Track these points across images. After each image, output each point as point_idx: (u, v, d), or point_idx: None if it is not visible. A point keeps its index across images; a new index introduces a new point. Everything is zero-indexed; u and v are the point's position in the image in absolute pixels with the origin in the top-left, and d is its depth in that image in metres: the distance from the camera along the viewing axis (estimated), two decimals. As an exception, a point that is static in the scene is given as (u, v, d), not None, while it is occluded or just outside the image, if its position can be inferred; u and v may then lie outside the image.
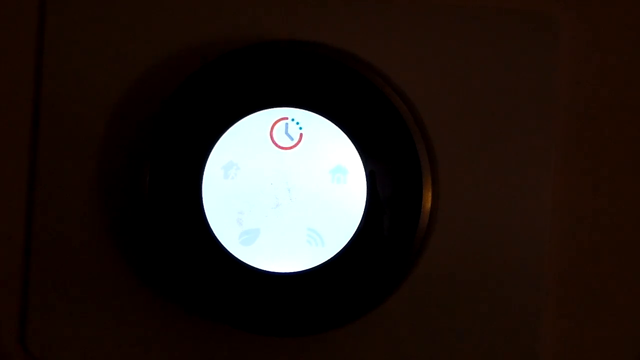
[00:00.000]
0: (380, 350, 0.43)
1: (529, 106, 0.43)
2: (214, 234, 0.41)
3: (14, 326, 0.44)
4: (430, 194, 0.42)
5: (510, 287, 0.43)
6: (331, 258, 0.42)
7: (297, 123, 0.42)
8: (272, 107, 0.42)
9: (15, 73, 0.44)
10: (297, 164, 0.42)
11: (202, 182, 0.41)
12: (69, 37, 0.43)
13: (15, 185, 0.44)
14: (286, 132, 0.42)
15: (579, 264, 0.44)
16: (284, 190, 0.42)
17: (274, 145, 0.42)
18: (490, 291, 0.43)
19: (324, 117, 0.42)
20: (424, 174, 0.42)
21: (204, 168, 0.41)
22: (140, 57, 0.43)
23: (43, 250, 0.43)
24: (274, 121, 0.42)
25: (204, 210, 0.41)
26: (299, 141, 0.42)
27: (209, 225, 0.41)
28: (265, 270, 0.42)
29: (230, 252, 0.41)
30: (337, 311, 0.42)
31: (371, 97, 0.42)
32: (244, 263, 0.41)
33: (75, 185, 0.43)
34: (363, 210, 0.42)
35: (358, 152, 0.42)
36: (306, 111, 0.42)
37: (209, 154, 0.42)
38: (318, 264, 0.42)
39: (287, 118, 0.42)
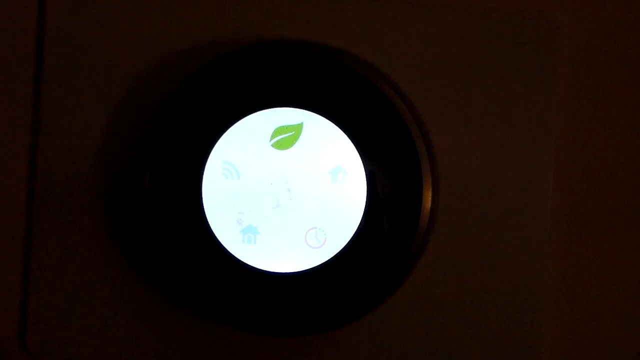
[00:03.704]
0: (380, 350, 0.43)
1: (529, 106, 0.43)
2: (214, 234, 0.41)
3: (14, 326, 0.44)
4: (430, 194, 0.42)
5: (510, 287, 0.43)
6: (331, 258, 0.42)
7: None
8: (272, 107, 0.42)
9: (15, 73, 0.44)
10: (297, 164, 0.42)
11: (202, 182, 0.41)
12: (69, 37, 0.43)
13: (15, 185, 0.44)
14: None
15: (579, 264, 0.44)
16: (284, 190, 0.42)
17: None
18: (490, 291, 0.43)
19: (323, 117, 0.42)
20: (424, 174, 0.42)
21: (204, 168, 0.41)
22: (140, 57, 0.43)
23: (43, 250, 0.43)
24: (274, 121, 0.42)
25: (204, 210, 0.41)
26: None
27: (209, 225, 0.41)
28: (265, 270, 0.42)
29: (230, 252, 0.41)
30: (337, 311, 0.42)
31: (371, 97, 0.42)
32: (244, 263, 0.41)
33: (75, 185, 0.43)
34: (363, 210, 0.42)
35: (358, 152, 0.42)
36: (306, 111, 0.42)
37: (209, 154, 0.42)
38: (318, 264, 0.42)
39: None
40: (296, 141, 0.42)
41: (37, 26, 0.44)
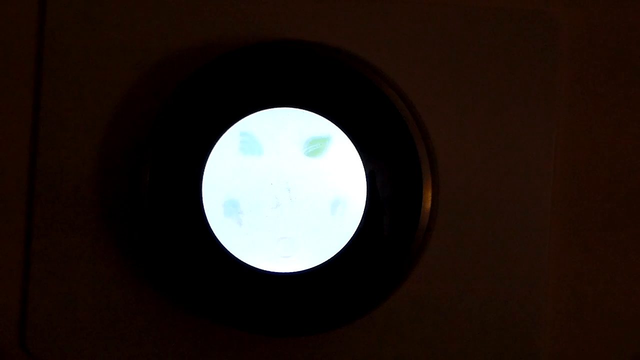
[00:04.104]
0: (381, 350, 0.43)
1: (529, 106, 0.43)
2: (214, 234, 0.41)
3: (14, 326, 0.44)
4: (430, 194, 0.42)
5: (510, 287, 0.43)
6: (331, 258, 0.42)
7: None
8: (272, 107, 0.42)
9: (15, 73, 0.44)
10: (297, 163, 0.42)
11: (202, 182, 0.41)
12: (69, 37, 0.43)
13: (15, 185, 0.44)
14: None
15: (579, 264, 0.44)
16: (284, 190, 0.42)
17: (273, 145, 0.42)
18: (490, 291, 0.43)
19: (323, 117, 0.42)
20: (424, 174, 0.42)
21: (204, 168, 0.41)
22: (140, 57, 0.43)
23: (43, 250, 0.43)
24: (274, 121, 0.42)
25: (204, 211, 0.41)
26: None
27: (209, 225, 0.41)
28: (265, 270, 0.42)
29: (231, 252, 0.41)
30: (337, 311, 0.42)
31: (371, 97, 0.42)
32: (244, 263, 0.41)
33: (75, 185, 0.43)
34: (363, 210, 0.42)
35: (358, 152, 0.42)
36: (306, 111, 0.42)
37: (209, 154, 0.42)
38: (318, 264, 0.42)
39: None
40: (324, 152, 0.42)
41: (37, 26, 0.44)
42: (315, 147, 0.42)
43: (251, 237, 0.42)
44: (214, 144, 0.42)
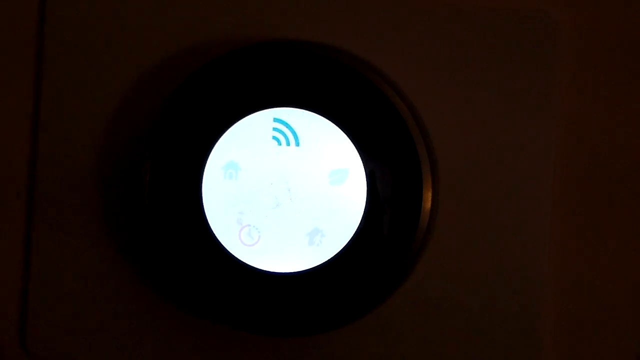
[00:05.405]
0: (380, 350, 0.43)
1: (528, 106, 0.43)
2: (214, 234, 0.41)
3: (14, 326, 0.44)
4: (430, 194, 0.42)
5: (510, 288, 0.43)
6: (331, 258, 0.42)
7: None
8: (272, 107, 0.42)
9: (15, 73, 0.44)
10: (297, 164, 0.42)
11: (202, 182, 0.41)
12: (69, 37, 0.43)
13: (15, 185, 0.44)
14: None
15: (579, 264, 0.44)
16: (284, 190, 0.42)
17: (274, 145, 0.42)
18: (490, 291, 0.43)
19: (323, 117, 0.42)
20: (424, 174, 0.42)
21: (204, 168, 0.42)
22: (140, 57, 0.43)
23: (43, 250, 0.43)
24: (274, 121, 0.42)
25: (204, 210, 0.41)
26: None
27: (209, 225, 0.41)
28: (265, 270, 0.42)
29: (231, 252, 0.41)
30: (337, 311, 0.42)
31: (371, 97, 0.42)
32: (244, 263, 0.41)
33: (75, 185, 0.43)
34: (363, 210, 0.42)
35: (358, 152, 0.42)
36: (306, 111, 0.42)
37: (209, 154, 0.42)
38: (318, 264, 0.42)
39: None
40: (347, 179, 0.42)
41: (37, 26, 0.44)
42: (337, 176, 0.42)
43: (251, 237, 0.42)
44: (214, 144, 0.42)
